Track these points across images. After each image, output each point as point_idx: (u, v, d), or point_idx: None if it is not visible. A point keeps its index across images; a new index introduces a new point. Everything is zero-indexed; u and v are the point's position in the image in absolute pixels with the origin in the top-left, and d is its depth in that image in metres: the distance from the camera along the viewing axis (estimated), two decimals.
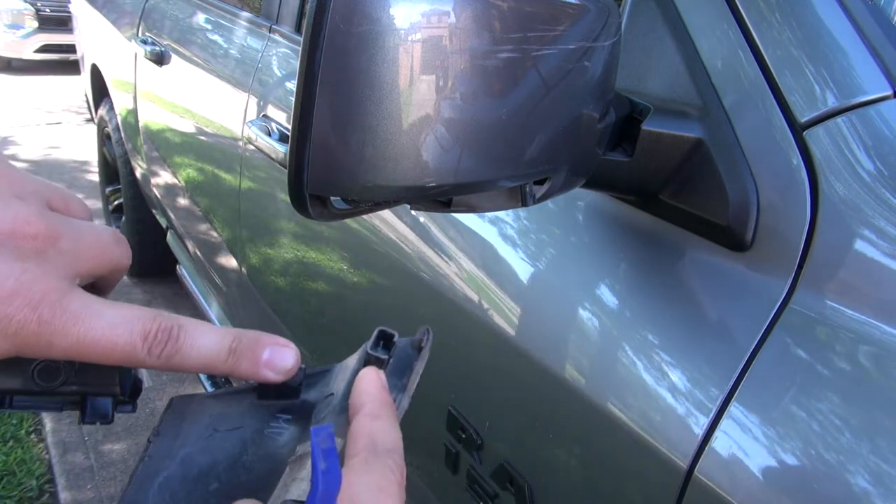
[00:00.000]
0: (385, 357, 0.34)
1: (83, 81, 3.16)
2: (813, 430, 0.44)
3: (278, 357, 0.32)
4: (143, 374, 0.36)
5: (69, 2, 3.92)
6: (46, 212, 0.31)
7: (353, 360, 0.35)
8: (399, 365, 0.35)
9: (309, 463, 0.29)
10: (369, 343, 0.35)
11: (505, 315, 0.70)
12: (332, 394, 0.34)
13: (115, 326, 0.29)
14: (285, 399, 0.34)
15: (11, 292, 0.27)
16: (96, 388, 0.34)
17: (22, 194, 0.30)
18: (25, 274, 0.28)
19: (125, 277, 2.88)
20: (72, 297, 0.29)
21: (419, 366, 0.35)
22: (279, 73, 1.37)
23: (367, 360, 0.34)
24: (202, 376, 1.87)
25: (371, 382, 0.32)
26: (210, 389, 1.80)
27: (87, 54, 2.98)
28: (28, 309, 0.27)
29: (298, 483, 0.28)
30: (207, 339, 0.31)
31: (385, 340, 0.35)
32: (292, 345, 0.33)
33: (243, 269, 1.53)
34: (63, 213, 0.32)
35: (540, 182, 0.49)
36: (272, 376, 0.32)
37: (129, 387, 0.34)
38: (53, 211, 0.31)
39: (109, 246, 0.33)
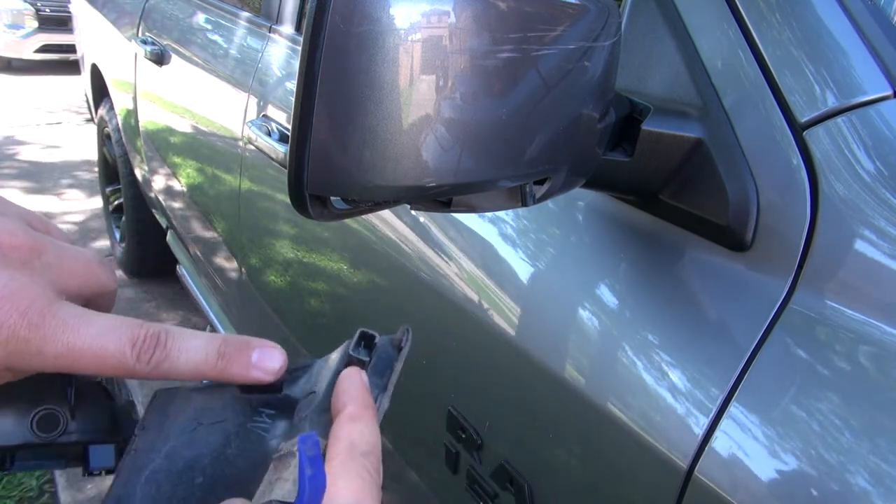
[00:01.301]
0: (367, 359, 0.34)
1: (83, 81, 3.16)
2: (813, 430, 0.45)
3: (267, 358, 0.33)
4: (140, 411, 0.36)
5: (69, 2, 3.92)
6: (29, 228, 0.31)
7: (334, 358, 0.36)
8: (380, 364, 0.35)
9: (293, 462, 0.29)
10: (351, 343, 0.35)
11: (505, 315, 0.70)
12: (314, 392, 0.34)
13: (105, 333, 0.29)
14: (267, 393, 0.34)
15: (0, 298, 0.27)
16: (96, 434, 0.34)
17: (4, 212, 0.31)
18: (13, 281, 0.28)
19: (125, 277, 2.88)
20: (59, 304, 0.29)
21: (399, 365, 0.35)
22: (279, 73, 1.37)
23: (349, 361, 0.34)
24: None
25: (353, 384, 0.32)
26: None
27: (87, 54, 2.98)
28: (17, 314, 0.27)
29: (283, 483, 0.29)
30: (195, 343, 0.31)
31: (366, 341, 0.35)
32: (279, 346, 0.33)
33: (243, 269, 1.53)
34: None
35: (540, 182, 0.49)
36: (262, 377, 0.32)
37: (130, 432, 0.34)
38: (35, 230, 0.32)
39: (93, 265, 0.33)
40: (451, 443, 0.77)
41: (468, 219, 0.78)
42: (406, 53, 0.37)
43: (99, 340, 0.29)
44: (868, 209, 0.47)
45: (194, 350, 0.31)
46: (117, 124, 2.57)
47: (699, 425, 0.50)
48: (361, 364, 0.34)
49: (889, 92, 0.50)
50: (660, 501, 0.52)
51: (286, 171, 0.39)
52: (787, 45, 0.54)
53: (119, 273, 2.95)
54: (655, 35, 0.60)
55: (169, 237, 2.27)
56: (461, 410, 0.76)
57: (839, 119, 0.50)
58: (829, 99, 0.51)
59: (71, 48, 4.23)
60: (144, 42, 2.03)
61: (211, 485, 0.31)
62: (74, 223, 3.47)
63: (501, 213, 0.74)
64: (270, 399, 0.34)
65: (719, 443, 0.48)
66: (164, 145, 2.02)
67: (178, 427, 0.33)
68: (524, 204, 0.48)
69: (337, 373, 0.34)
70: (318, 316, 1.21)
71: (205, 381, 0.35)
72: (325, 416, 0.32)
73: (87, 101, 3.22)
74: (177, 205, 2.02)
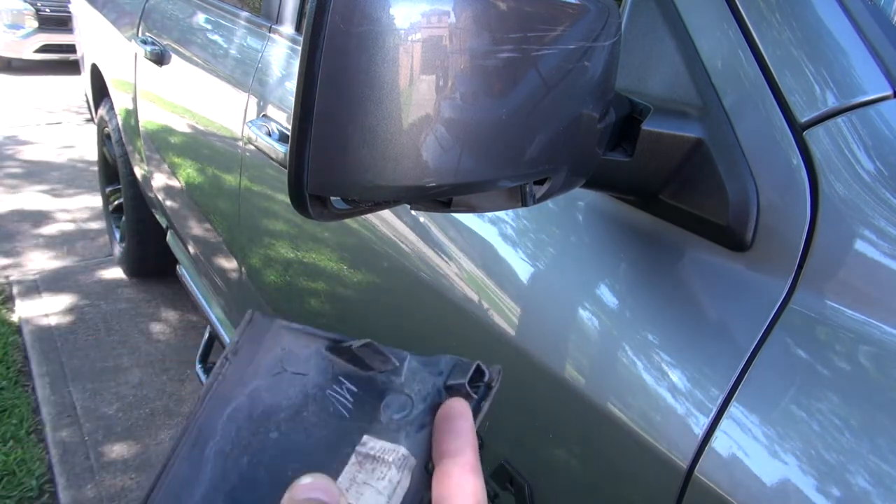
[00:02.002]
0: (476, 398, 0.33)
1: (83, 81, 3.16)
2: (813, 430, 0.44)
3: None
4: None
5: (69, 2, 3.92)
6: None
7: (433, 370, 0.34)
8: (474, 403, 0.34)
9: (387, 475, 0.29)
10: (468, 374, 0.33)
11: (505, 315, 0.70)
12: (408, 397, 0.33)
13: None
14: (353, 365, 0.33)
15: None
16: None
17: None
18: None
19: (125, 277, 2.89)
20: None
21: (487, 406, 0.33)
22: (279, 73, 1.37)
23: (460, 392, 0.33)
24: (199, 371, 1.87)
25: (468, 427, 0.31)
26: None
27: (87, 54, 2.98)
28: None
29: (372, 494, 0.28)
30: None
31: (477, 374, 0.33)
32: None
33: (243, 269, 1.53)
34: None
35: (540, 182, 0.49)
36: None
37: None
38: None
39: None
40: None
41: (468, 219, 0.78)
42: (406, 53, 0.37)
43: None
44: (868, 209, 0.47)
45: None
46: (117, 124, 2.57)
47: (699, 425, 0.50)
48: (470, 400, 0.32)
49: (889, 92, 0.50)
50: (660, 501, 0.52)
51: (286, 170, 0.39)
52: (787, 45, 0.54)
53: (119, 273, 2.95)
54: (655, 35, 0.60)
55: (169, 237, 2.27)
56: None
57: (839, 119, 0.50)
58: (829, 99, 0.51)
59: (71, 48, 4.23)
60: (144, 42, 2.03)
61: (283, 446, 0.30)
62: (74, 223, 3.48)
63: (501, 213, 0.74)
64: (353, 372, 0.33)
65: (719, 443, 0.48)
66: (164, 145, 2.02)
67: (266, 365, 0.32)
68: (524, 204, 0.48)
69: (439, 392, 0.32)
70: (318, 316, 1.21)
71: (296, 325, 0.34)
72: (423, 432, 0.31)
73: (87, 101, 3.22)
74: (177, 205, 2.02)
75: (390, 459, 0.30)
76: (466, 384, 0.32)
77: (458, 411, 0.31)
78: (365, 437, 0.31)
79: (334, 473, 0.29)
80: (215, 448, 0.29)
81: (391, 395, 0.33)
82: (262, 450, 0.30)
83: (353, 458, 0.30)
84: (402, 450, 0.30)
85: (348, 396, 0.32)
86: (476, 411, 0.32)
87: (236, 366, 0.32)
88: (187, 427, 0.30)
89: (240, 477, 0.29)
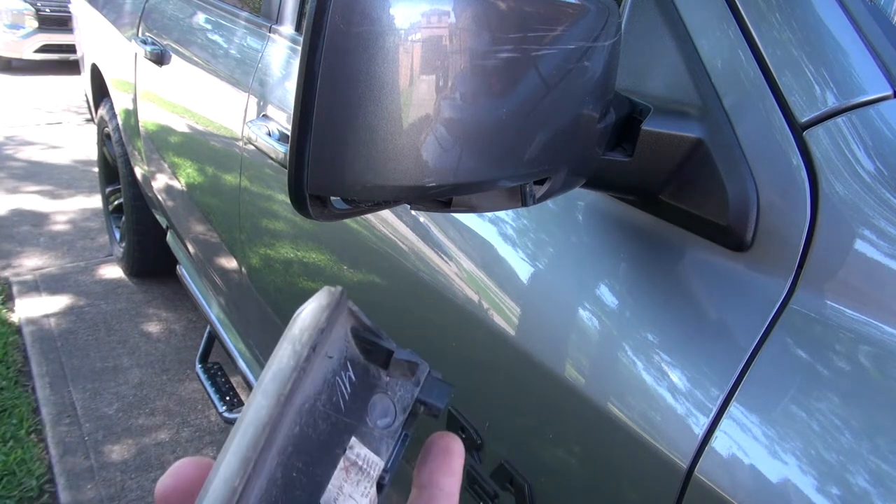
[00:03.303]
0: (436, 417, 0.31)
1: (83, 81, 3.16)
2: (813, 430, 0.44)
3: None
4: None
5: (69, 2, 3.92)
6: None
7: (411, 377, 0.32)
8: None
9: (370, 493, 0.28)
10: (445, 396, 0.31)
11: (505, 315, 0.70)
12: (391, 400, 0.31)
13: None
14: (359, 351, 0.30)
15: None
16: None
17: None
18: None
19: (125, 277, 2.89)
20: None
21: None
22: (279, 73, 1.37)
23: (431, 412, 0.31)
24: (199, 371, 1.87)
25: (458, 465, 0.30)
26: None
27: (87, 54, 2.98)
28: None
29: None
30: None
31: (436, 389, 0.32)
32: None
33: (243, 269, 1.53)
34: None
35: (540, 182, 0.49)
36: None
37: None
38: None
39: None
40: None
41: (468, 219, 0.78)
42: (406, 53, 0.37)
43: None
44: (868, 209, 0.47)
45: None
46: (117, 124, 2.57)
47: (699, 425, 0.50)
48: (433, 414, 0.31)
49: (889, 92, 0.50)
50: (660, 501, 0.52)
51: (286, 170, 0.38)
52: (787, 45, 0.54)
53: (119, 273, 2.95)
54: (655, 35, 0.60)
55: (169, 237, 2.28)
56: (461, 410, 0.75)
57: (839, 119, 0.50)
58: (829, 99, 0.51)
59: (71, 48, 4.23)
60: (144, 42, 2.03)
61: (297, 442, 0.27)
62: (74, 223, 3.48)
63: (501, 213, 0.74)
64: (357, 358, 0.30)
65: (719, 443, 0.48)
66: (164, 145, 2.02)
67: (327, 343, 0.29)
68: (524, 204, 0.48)
69: (416, 403, 0.31)
70: None
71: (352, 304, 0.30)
72: (397, 448, 0.30)
73: (87, 101, 3.22)
74: (177, 205, 2.02)
75: (373, 475, 0.28)
76: (441, 409, 0.31)
77: (457, 451, 0.31)
78: (353, 441, 0.29)
79: (326, 476, 0.27)
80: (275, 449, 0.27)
81: (378, 394, 0.30)
82: (289, 447, 0.27)
83: (341, 463, 0.28)
84: (381, 464, 0.29)
85: (348, 386, 0.30)
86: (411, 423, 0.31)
87: (323, 339, 0.28)
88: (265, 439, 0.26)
89: (268, 479, 0.26)
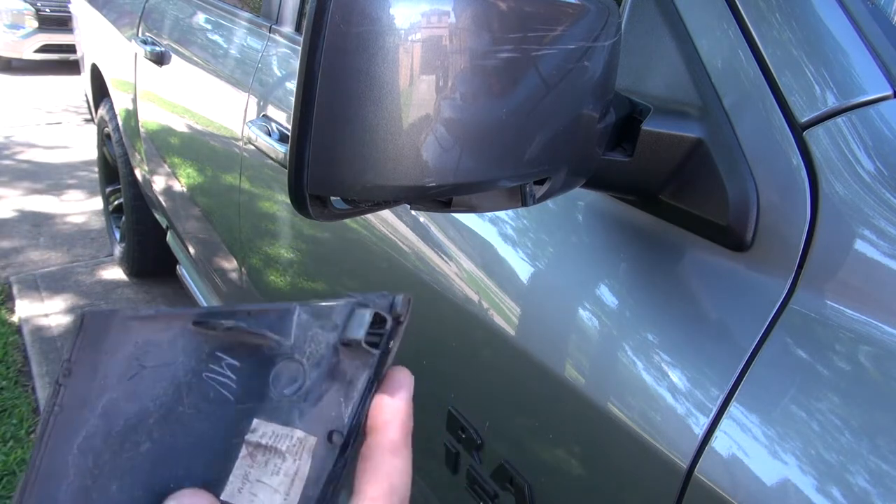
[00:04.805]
0: (378, 351, 0.28)
1: (83, 81, 3.16)
2: (813, 430, 0.44)
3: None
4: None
5: (69, 2, 3.92)
6: None
7: (326, 323, 0.29)
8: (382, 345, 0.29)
9: (282, 467, 0.26)
10: (365, 324, 0.28)
11: (505, 315, 0.70)
12: (298, 361, 0.28)
13: None
14: (231, 334, 0.28)
15: None
16: None
17: None
18: None
19: (126, 278, 2.89)
20: None
21: (397, 344, 0.29)
22: (279, 73, 1.37)
23: (357, 349, 0.28)
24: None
25: (401, 408, 0.28)
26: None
27: (87, 54, 2.98)
28: None
29: (271, 495, 0.26)
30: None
31: (378, 322, 0.29)
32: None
33: (243, 269, 1.53)
34: None
35: (540, 182, 0.49)
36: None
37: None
38: None
39: None
40: (451, 443, 0.77)
41: (468, 219, 0.78)
42: (406, 53, 0.37)
43: None
44: (868, 209, 0.47)
45: None
46: (117, 124, 2.57)
47: (699, 425, 0.50)
48: (367, 354, 0.28)
49: (889, 92, 0.50)
50: (660, 501, 0.52)
51: (286, 170, 0.39)
52: (787, 45, 0.54)
53: (119, 273, 2.95)
54: (655, 35, 0.60)
55: (169, 237, 2.28)
56: (461, 410, 0.76)
57: (839, 119, 0.50)
58: (829, 99, 0.51)
59: (71, 48, 4.23)
60: (144, 42, 2.03)
61: (161, 453, 0.26)
62: (74, 223, 3.48)
63: (501, 213, 0.74)
64: (232, 343, 0.28)
65: (719, 443, 0.48)
66: (164, 145, 2.02)
67: (116, 370, 0.26)
68: (524, 204, 0.48)
69: (335, 350, 0.28)
70: None
71: (145, 311, 0.28)
72: (320, 405, 0.27)
73: (87, 101, 3.22)
74: (177, 205, 2.02)
75: (283, 448, 0.26)
76: (363, 342, 0.28)
77: (399, 382, 0.29)
78: (255, 422, 0.27)
79: (225, 471, 0.26)
80: (71, 489, 0.25)
81: (280, 363, 0.28)
82: (133, 468, 0.26)
83: (243, 450, 0.26)
84: (297, 433, 0.27)
85: (230, 374, 0.27)
86: (382, 362, 0.28)
87: (74, 388, 0.26)
88: (26, 482, 0.25)
89: None
